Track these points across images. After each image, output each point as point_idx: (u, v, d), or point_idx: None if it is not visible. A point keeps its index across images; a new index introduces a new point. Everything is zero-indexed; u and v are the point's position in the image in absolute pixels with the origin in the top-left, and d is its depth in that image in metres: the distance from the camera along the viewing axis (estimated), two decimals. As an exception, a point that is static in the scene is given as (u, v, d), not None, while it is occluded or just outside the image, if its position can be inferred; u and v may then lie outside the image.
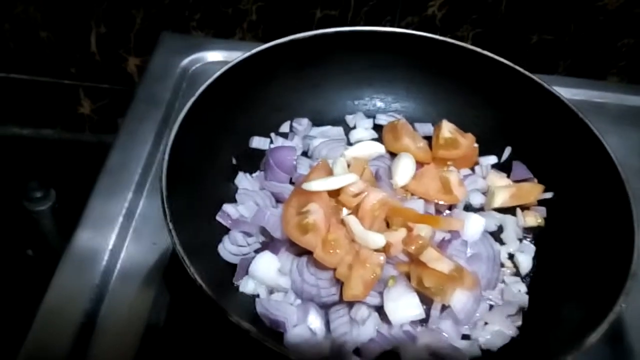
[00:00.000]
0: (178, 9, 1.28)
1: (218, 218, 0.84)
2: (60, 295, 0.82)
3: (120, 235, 0.90)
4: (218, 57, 1.17)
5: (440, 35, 1.29)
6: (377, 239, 0.77)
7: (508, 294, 0.81)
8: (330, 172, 0.84)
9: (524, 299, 0.82)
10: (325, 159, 0.90)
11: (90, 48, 1.36)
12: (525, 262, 0.87)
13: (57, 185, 1.36)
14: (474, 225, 0.84)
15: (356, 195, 0.81)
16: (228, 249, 0.81)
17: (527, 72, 0.94)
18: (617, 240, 0.77)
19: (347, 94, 1.02)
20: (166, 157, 0.75)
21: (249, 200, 0.86)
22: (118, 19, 1.31)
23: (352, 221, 0.78)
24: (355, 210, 0.81)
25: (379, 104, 1.03)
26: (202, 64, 1.16)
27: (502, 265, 0.86)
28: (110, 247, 0.87)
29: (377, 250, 0.77)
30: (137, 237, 0.90)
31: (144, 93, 1.09)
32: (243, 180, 0.90)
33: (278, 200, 0.87)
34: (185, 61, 1.15)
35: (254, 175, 0.91)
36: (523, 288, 0.84)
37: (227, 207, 0.84)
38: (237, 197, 0.87)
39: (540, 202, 0.92)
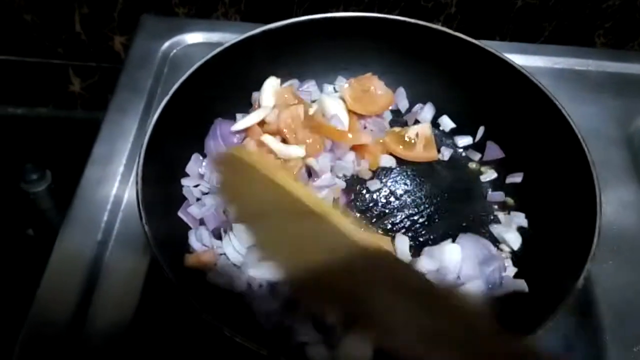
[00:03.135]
0: (159, -13, 1.28)
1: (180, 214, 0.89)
2: (60, 266, 0.88)
3: (108, 226, 0.94)
4: (198, 39, 1.17)
5: (424, 2, 1.30)
6: (295, 150, 0.88)
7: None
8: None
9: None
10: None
11: (75, 28, 1.37)
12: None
13: (52, 164, 1.39)
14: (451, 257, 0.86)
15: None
16: (193, 244, 0.86)
17: (483, 45, 0.94)
18: (582, 212, 0.79)
19: (324, 79, 1.03)
20: (140, 165, 0.78)
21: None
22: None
23: (268, 139, 0.88)
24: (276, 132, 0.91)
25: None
26: (183, 46, 1.16)
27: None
28: (99, 238, 0.92)
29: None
30: (124, 228, 0.94)
31: (126, 80, 1.10)
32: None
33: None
34: (166, 45, 1.15)
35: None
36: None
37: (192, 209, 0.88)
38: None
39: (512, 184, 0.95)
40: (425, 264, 0.84)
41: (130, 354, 0.82)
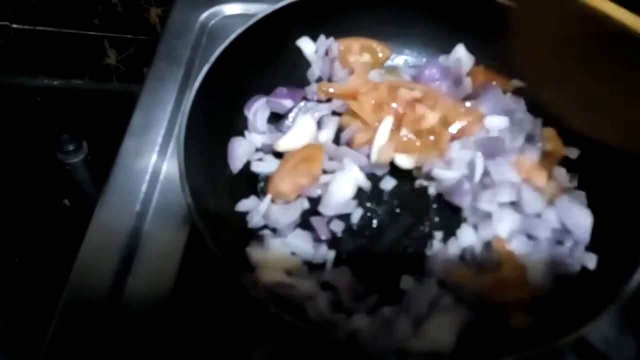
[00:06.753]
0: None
1: None
2: (98, 237, 0.88)
3: (146, 197, 0.93)
4: (236, 10, 1.16)
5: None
6: None
7: None
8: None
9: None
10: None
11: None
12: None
13: (88, 135, 1.40)
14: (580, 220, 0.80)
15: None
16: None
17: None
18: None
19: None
20: (182, 138, 0.77)
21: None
22: (137, -30, 1.30)
23: None
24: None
25: (397, 60, 1.01)
26: (221, 17, 1.15)
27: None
28: (137, 209, 0.91)
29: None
30: (162, 199, 0.93)
31: (164, 51, 1.08)
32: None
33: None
34: (204, 15, 1.14)
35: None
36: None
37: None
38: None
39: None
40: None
41: (169, 325, 0.81)
